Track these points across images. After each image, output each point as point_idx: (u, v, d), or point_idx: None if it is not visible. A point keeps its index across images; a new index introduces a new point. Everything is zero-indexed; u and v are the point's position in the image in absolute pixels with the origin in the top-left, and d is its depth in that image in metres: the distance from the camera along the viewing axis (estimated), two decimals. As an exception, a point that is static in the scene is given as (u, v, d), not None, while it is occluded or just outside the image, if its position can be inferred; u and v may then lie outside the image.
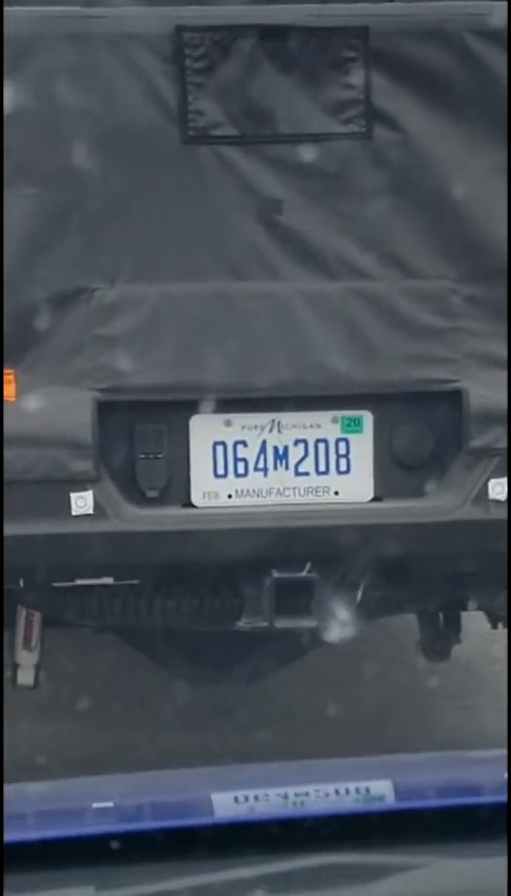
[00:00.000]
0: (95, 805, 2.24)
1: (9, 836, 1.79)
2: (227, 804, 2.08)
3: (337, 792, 2.15)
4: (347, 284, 4.83)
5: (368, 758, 2.82)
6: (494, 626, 5.85)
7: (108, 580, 5.03)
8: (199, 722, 6.22)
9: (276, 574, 4.90)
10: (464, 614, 5.78)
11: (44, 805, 2.34)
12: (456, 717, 6.58)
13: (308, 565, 4.89)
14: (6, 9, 4.88)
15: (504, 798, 1.59)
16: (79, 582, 4.93)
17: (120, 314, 4.78)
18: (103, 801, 2.31)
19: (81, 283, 4.77)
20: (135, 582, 5.08)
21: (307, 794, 2.15)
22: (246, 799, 2.12)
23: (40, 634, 5.29)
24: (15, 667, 5.33)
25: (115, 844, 1.65)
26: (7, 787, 2.85)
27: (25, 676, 5.33)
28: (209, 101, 4.81)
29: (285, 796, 2.17)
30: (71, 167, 4.78)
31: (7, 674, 5.40)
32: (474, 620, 5.90)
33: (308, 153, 4.84)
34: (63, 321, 4.76)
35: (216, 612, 5.11)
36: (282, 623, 4.98)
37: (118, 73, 4.79)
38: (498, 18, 4.97)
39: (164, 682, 6.05)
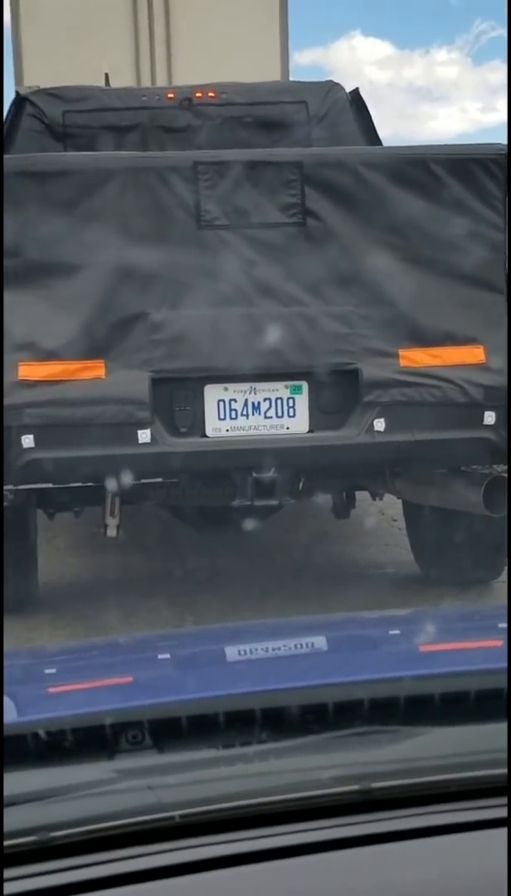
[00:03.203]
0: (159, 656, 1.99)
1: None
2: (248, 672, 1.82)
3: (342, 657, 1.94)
4: (293, 309, 4.73)
5: (373, 613, 2.62)
6: (373, 499, 5.86)
7: (159, 479, 4.98)
8: (207, 551, 6.20)
9: (254, 475, 4.86)
10: (357, 493, 5.80)
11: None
12: (350, 547, 6.57)
13: (273, 469, 4.86)
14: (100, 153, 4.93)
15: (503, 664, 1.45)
16: (142, 480, 4.85)
17: (163, 328, 4.68)
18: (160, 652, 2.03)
19: (141, 310, 4.66)
20: (174, 480, 5.05)
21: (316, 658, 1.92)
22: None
23: (119, 508, 5.24)
24: (105, 526, 5.26)
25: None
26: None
27: (111, 531, 5.25)
28: (212, 203, 4.70)
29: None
30: (133, 242, 4.71)
31: (100, 529, 5.35)
32: (362, 496, 5.88)
33: (269, 234, 4.75)
34: (131, 331, 4.66)
35: (220, 496, 5.08)
36: (258, 502, 4.94)
37: (161, 188, 4.70)
38: (380, 157, 4.97)
39: (185, 532, 6.06)
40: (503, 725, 1.30)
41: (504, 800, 1.17)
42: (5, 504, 5.07)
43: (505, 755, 1.21)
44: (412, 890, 1.11)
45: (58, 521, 5.95)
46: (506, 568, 5.63)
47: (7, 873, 1.12)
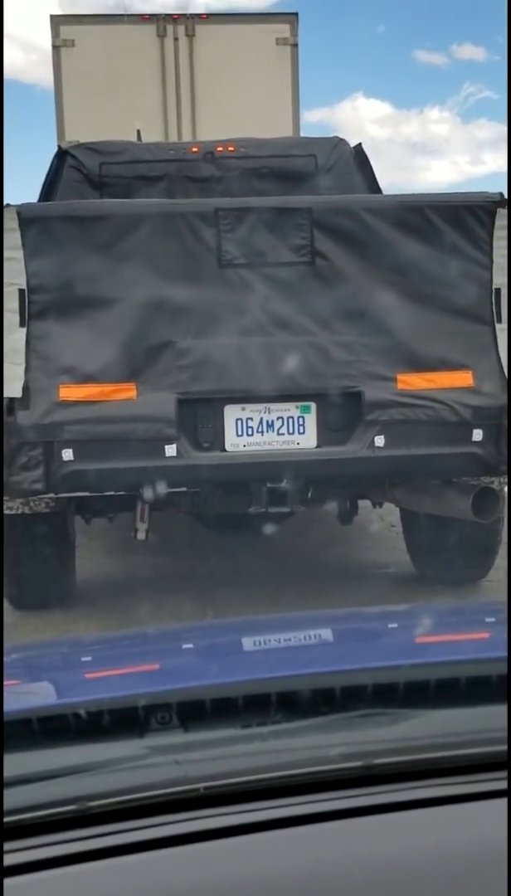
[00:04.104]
0: (184, 647, 1.95)
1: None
2: (260, 661, 1.81)
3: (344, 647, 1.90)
4: (304, 338, 4.70)
5: (374, 608, 2.58)
6: (374, 506, 5.82)
7: (184, 489, 4.96)
8: (226, 553, 6.19)
9: (268, 485, 4.85)
10: (359, 501, 5.77)
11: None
12: (354, 549, 6.55)
13: (285, 480, 4.83)
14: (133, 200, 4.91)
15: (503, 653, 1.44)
16: (169, 490, 4.81)
17: (188, 355, 4.65)
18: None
19: (169, 339, 4.63)
20: (197, 489, 5.02)
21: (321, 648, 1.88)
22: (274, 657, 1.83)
23: (148, 514, 5.22)
24: (136, 530, 5.24)
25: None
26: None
27: (141, 535, 5.22)
28: (232, 245, 4.67)
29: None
30: (162, 279, 4.69)
31: (131, 533, 5.33)
32: (363, 504, 5.86)
33: (282, 272, 4.72)
34: (160, 358, 4.64)
35: (238, 503, 5.05)
36: (272, 509, 4.94)
37: (187, 232, 4.69)
38: (380, 204, 4.96)
39: (207, 536, 6.04)
40: (492, 708, 1.29)
41: (496, 773, 1.17)
42: (47, 510, 5.08)
43: (496, 734, 1.20)
44: (410, 855, 1.11)
45: (94, 525, 5.96)
46: (492, 567, 5.62)
47: (49, 839, 1.12)
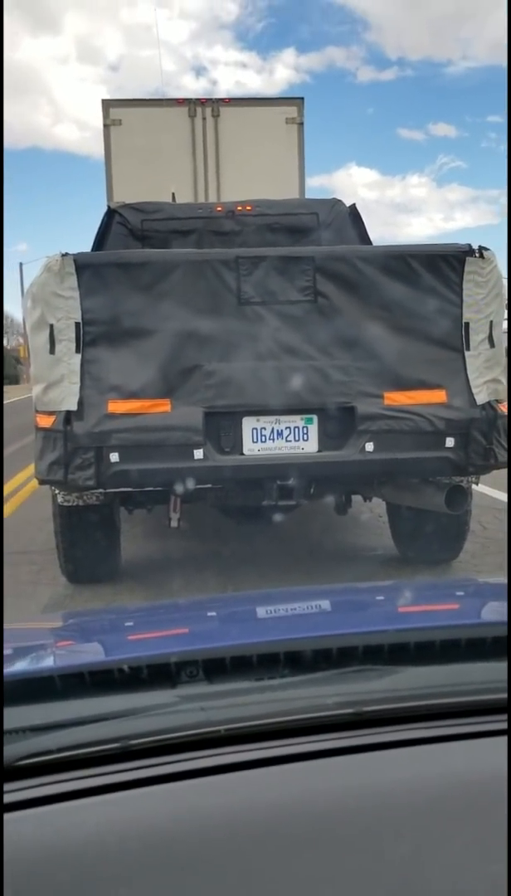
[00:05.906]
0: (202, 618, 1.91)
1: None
2: (268, 626, 1.76)
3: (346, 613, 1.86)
4: (307, 363, 4.69)
5: (380, 583, 2.53)
6: (365, 500, 5.80)
7: (209, 485, 4.94)
8: (244, 537, 6.17)
9: (278, 482, 4.83)
10: (353, 496, 5.75)
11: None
12: (348, 536, 6.52)
13: (291, 479, 4.82)
14: (169, 250, 4.86)
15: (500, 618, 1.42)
16: (197, 486, 4.80)
17: (213, 376, 4.64)
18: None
19: (197, 362, 4.62)
20: (220, 486, 5.00)
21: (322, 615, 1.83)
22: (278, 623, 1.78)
23: (180, 506, 5.21)
24: (169, 519, 5.22)
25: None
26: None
27: (174, 523, 5.20)
28: (249, 286, 4.67)
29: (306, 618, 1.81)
30: (192, 314, 4.68)
31: (166, 521, 5.31)
32: (356, 498, 5.83)
33: (290, 308, 4.71)
34: (190, 378, 4.63)
35: (253, 497, 5.02)
36: (281, 502, 4.92)
37: (212, 275, 4.69)
38: (371, 253, 4.94)
39: (227, 524, 6.01)
40: (461, 665, 1.29)
41: (466, 719, 1.16)
42: (97, 503, 5.08)
43: (464, 687, 1.20)
44: (393, 786, 1.11)
45: (135, 515, 5.96)
46: (462, 551, 5.60)
47: (98, 770, 1.12)
